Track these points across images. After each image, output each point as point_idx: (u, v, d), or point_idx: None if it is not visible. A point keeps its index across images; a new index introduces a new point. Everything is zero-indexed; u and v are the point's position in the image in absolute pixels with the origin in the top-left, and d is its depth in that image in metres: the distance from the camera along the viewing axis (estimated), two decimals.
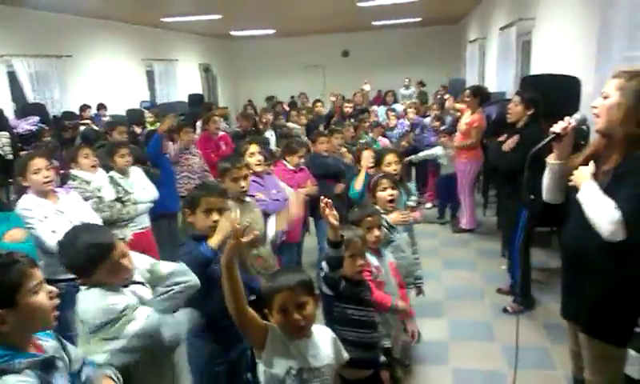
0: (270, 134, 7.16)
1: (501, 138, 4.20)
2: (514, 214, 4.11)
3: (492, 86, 8.94)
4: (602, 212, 2.03)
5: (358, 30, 16.37)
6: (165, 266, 2.16)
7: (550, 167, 2.29)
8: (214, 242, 2.35)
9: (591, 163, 2.18)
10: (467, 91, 6.13)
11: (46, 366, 1.42)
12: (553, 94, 4.24)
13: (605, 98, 2.08)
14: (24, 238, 2.83)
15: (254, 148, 3.68)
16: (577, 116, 2.16)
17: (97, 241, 1.92)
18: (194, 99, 13.26)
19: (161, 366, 2.08)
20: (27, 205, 3.07)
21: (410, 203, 3.68)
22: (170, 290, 2.06)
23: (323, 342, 1.91)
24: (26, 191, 3.19)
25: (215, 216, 2.41)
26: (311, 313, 1.84)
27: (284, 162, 4.43)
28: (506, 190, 4.35)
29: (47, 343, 1.52)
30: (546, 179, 2.39)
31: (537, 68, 6.80)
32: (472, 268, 5.16)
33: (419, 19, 14.09)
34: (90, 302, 1.90)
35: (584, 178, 2.14)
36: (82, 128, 7.81)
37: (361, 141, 6.06)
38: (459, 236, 6.12)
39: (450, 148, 6.29)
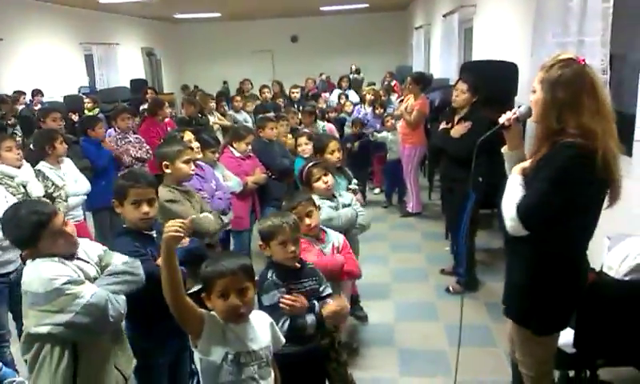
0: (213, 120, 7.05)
1: (445, 125, 4.26)
2: (462, 197, 4.21)
3: (436, 72, 9.13)
4: (506, 207, 2.08)
5: (306, 15, 16.27)
6: (117, 258, 2.13)
7: (506, 156, 2.32)
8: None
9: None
10: (409, 78, 6.21)
11: None
12: (491, 80, 4.36)
13: (533, 92, 2.10)
14: None
15: (189, 135, 3.62)
16: (522, 108, 2.19)
17: (37, 208, 1.95)
18: (137, 85, 12.82)
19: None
20: None
21: (352, 187, 3.71)
22: (118, 279, 2.02)
23: (260, 326, 1.91)
24: None
25: (145, 207, 2.31)
26: (251, 298, 1.85)
27: (231, 149, 4.35)
28: (454, 174, 4.44)
29: None
30: (507, 168, 2.43)
31: (478, 54, 6.98)
32: (417, 250, 5.27)
33: (366, 5, 14.13)
34: (34, 272, 1.88)
35: (515, 170, 2.20)
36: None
37: (315, 128, 5.99)
38: (406, 220, 6.23)
39: (393, 133, 6.39)
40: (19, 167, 3.52)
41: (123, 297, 2.00)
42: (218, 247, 3.42)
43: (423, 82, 6.20)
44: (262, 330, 1.90)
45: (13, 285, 2.94)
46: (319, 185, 3.16)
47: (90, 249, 2.14)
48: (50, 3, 10.83)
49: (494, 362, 3.36)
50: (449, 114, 4.34)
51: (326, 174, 3.18)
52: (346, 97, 9.16)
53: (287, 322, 2.18)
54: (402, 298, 4.28)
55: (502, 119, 2.25)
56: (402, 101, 6.97)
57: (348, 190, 3.51)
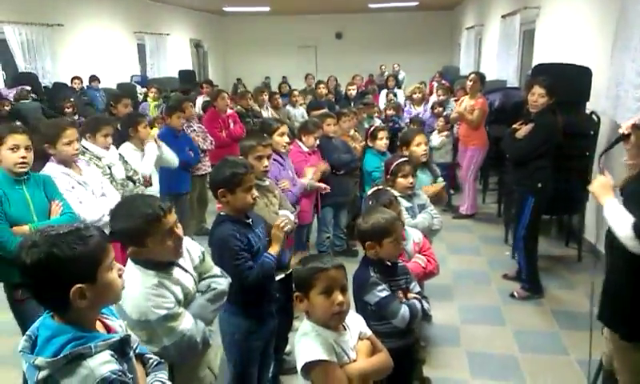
0: (267, 115, 7.09)
1: (516, 126, 4.20)
2: (521, 201, 4.15)
3: (490, 74, 8.97)
4: (620, 231, 2.06)
5: (353, 11, 16.24)
6: (216, 268, 2.13)
7: (630, 168, 2.28)
8: (274, 250, 2.43)
9: (607, 173, 2.21)
10: (473, 75, 6.11)
11: (121, 347, 1.38)
12: (564, 84, 4.26)
13: None
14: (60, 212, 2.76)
15: (285, 128, 3.64)
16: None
17: (152, 202, 1.86)
18: (185, 75, 13.04)
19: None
20: (53, 173, 2.97)
21: (438, 184, 3.71)
22: (216, 305, 2.03)
23: (355, 335, 1.83)
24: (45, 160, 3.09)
25: (255, 192, 2.37)
26: (349, 300, 1.79)
27: (299, 143, 4.37)
28: (514, 177, 4.38)
29: (114, 322, 1.48)
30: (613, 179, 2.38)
31: (540, 57, 6.83)
32: (477, 253, 5.21)
33: (416, 3, 14.02)
34: (134, 291, 1.77)
35: (604, 193, 2.16)
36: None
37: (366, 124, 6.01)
38: (460, 221, 6.16)
39: (446, 135, 6.32)
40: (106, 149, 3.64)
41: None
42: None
43: (483, 82, 6.14)
44: (355, 339, 1.83)
45: None
46: (403, 182, 3.17)
47: (191, 248, 2.08)
48: None
49: (566, 370, 3.30)
50: (518, 117, 4.28)
51: (413, 175, 3.18)
52: (395, 95, 9.11)
53: (408, 309, 2.21)
54: (465, 300, 4.24)
55: (623, 129, 2.21)
56: (455, 100, 6.91)
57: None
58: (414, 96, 7.72)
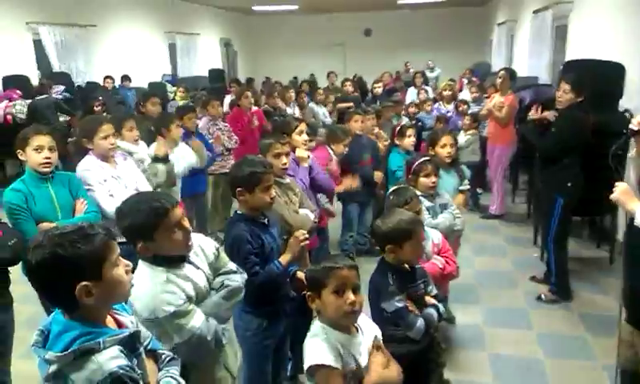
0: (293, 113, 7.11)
1: (534, 115, 4.12)
2: (549, 202, 4.04)
3: (522, 71, 8.77)
4: None
5: (382, 8, 16.13)
6: (232, 264, 2.11)
7: (633, 162, 2.20)
8: (284, 260, 2.43)
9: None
10: (503, 72, 5.98)
11: (131, 342, 1.40)
12: (596, 80, 4.13)
13: None
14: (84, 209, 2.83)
15: (303, 126, 3.64)
16: None
17: (159, 197, 1.87)
18: (215, 74, 13.20)
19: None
20: (89, 166, 3.09)
21: (462, 188, 3.63)
22: (231, 302, 2.01)
23: (368, 338, 1.81)
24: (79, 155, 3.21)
25: (273, 192, 2.37)
26: (362, 299, 1.77)
27: (329, 150, 4.31)
28: (543, 176, 4.27)
29: (125, 318, 1.50)
30: (633, 175, 2.31)
31: (573, 53, 6.64)
32: (503, 254, 5.10)
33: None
34: (143, 289, 1.78)
35: (629, 199, 2.08)
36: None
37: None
38: (487, 222, 6.03)
39: (472, 134, 6.20)
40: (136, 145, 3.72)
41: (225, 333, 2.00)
42: None
43: (514, 78, 6.01)
44: (369, 344, 1.80)
45: None
46: (426, 181, 3.12)
47: (205, 245, 2.06)
48: None
49: (591, 376, 3.21)
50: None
51: (435, 175, 3.13)
52: (426, 92, 8.98)
53: (423, 322, 2.17)
54: (490, 302, 4.15)
55: (633, 125, 2.13)
56: (487, 97, 6.77)
57: (458, 192, 3.43)
58: (444, 93, 7.58)
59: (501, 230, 5.77)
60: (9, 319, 2.56)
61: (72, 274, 1.30)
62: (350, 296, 1.70)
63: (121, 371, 1.30)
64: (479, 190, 6.74)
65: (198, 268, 1.98)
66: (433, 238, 2.89)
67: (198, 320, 1.86)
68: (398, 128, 4.46)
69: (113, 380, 1.28)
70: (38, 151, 2.71)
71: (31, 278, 1.32)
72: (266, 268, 2.34)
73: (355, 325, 1.79)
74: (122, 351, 1.34)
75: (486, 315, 3.96)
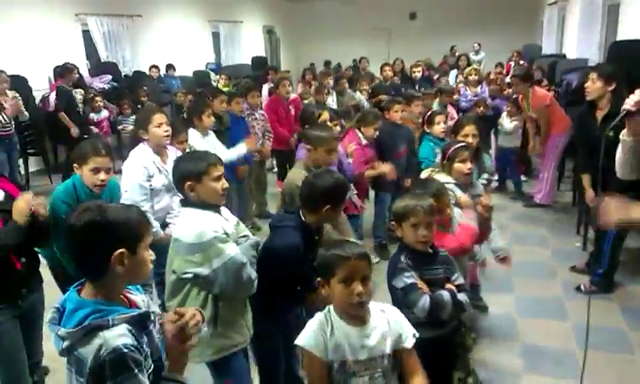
0: (332, 100, 7.07)
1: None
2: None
3: (572, 53, 8.40)
4: None
5: None
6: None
7: (622, 142, 2.10)
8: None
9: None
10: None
11: (142, 321, 1.44)
12: None
13: None
14: None
15: (326, 115, 3.63)
16: None
17: (208, 154, 2.26)
18: (258, 62, 13.30)
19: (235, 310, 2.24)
20: (137, 159, 3.18)
21: (482, 181, 3.51)
22: (253, 252, 2.23)
23: (381, 326, 1.76)
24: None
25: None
26: (371, 289, 1.75)
27: (358, 133, 4.27)
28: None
29: (137, 297, 1.55)
30: (619, 154, 2.20)
31: (625, 33, 6.28)
32: (543, 244, 4.92)
33: None
34: (187, 221, 2.12)
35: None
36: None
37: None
38: (530, 210, 5.84)
39: (518, 120, 5.99)
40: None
41: (254, 273, 2.17)
42: None
43: (530, 78, 5.70)
44: (381, 333, 1.76)
45: None
46: (461, 167, 3.01)
47: (229, 215, 2.31)
48: None
49: (628, 370, 3.07)
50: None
51: (472, 161, 3.04)
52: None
53: (428, 300, 2.13)
54: (525, 291, 4.03)
55: (627, 104, 2.02)
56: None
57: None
58: (470, 78, 7.35)
59: (544, 219, 5.57)
60: (39, 300, 2.63)
61: (114, 240, 1.39)
62: (358, 287, 1.68)
63: (125, 350, 1.32)
64: (523, 178, 6.53)
65: (228, 221, 2.27)
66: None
67: (233, 249, 2.11)
68: (428, 115, 4.36)
69: (116, 357, 1.31)
70: (94, 172, 2.69)
71: (72, 239, 1.41)
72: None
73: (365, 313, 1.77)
74: (130, 330, 1.37)
75: (519, 305, 3.84)
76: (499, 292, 3.97)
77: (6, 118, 5.90)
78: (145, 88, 7.87)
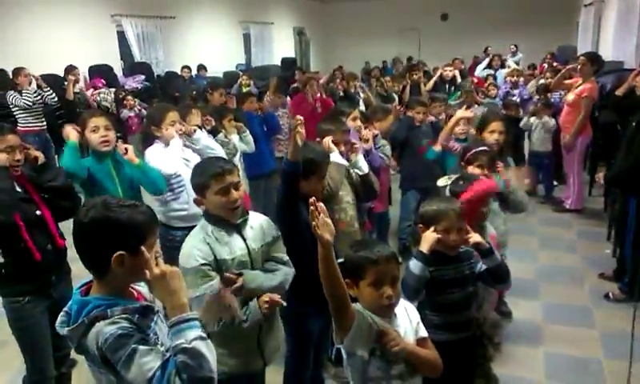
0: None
1: None
2: (625, 201, 3.76)
3: (607, 55, 8.17)
4: None
5: None
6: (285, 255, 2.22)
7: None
8: None
9: None
10: (582, 58, 5.57)
11: (144, 312, 1.46)
12: None
13: None
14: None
15: (357, 113, 3.65)
16: None
17: (217, 163, 2.11)
18: (287, 63, 13.38)
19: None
20: (156, 153, 3.19)
21: None
22: (274, 272, 2.14)
23: (405, 322, 1.82)
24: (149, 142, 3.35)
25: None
26: (400, 290, 1.79)
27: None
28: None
29: (144, 289, 1.58)
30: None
31: None
32: (571, 250, 4.81)
33: None
34: (188, 239, 2.08)
35: None
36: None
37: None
38: (560, 215, 5.71)
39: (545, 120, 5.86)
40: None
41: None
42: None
43: (598, 63, 5.49)
44: (407, 326, 1.82)
45: None
46: (476, 172, 2.99)
47: (267, 226, 2.20)
48: None
49: None
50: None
51: (489, 168, 2.99)
52: (495, 78, 8.58)
53: (420, 265, 2.15)
54: (550, 298, 3.95)
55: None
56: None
57: None
58: (510, 79, 7.23)
59: (573, 224, 5.44)
60: (67, 288, 2.65)
61: (116, 240, 1.38)
62: (388, 290, 1.71)
63: (119, 331, 1.33)
64: (555, 183, 6.40)
65: (245, 240, 2.10)
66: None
67: (213, 287, 1.94)
68: (481, 121, 4.28)
69: (111, 339, 1.31)
70: (94, 131, 2.87)
71: (79, 234, 1.42)
72: None
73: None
74: (130, 319, 1.38)
75: (545, 311, 3.77)
76: (525, 297, 3.91)
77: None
78: (177, 94, 8.01)
